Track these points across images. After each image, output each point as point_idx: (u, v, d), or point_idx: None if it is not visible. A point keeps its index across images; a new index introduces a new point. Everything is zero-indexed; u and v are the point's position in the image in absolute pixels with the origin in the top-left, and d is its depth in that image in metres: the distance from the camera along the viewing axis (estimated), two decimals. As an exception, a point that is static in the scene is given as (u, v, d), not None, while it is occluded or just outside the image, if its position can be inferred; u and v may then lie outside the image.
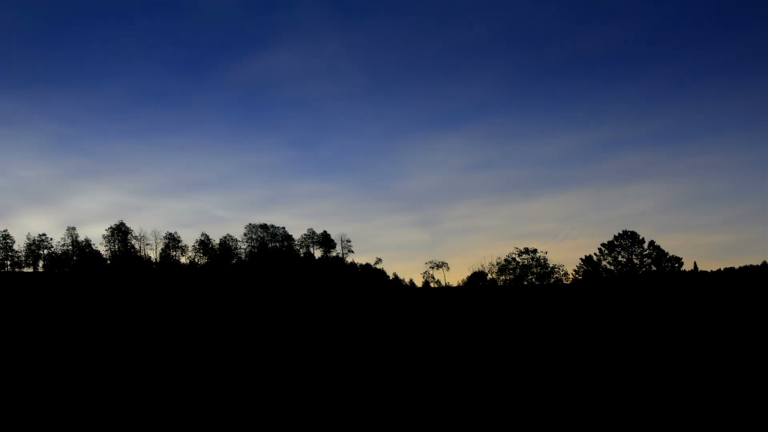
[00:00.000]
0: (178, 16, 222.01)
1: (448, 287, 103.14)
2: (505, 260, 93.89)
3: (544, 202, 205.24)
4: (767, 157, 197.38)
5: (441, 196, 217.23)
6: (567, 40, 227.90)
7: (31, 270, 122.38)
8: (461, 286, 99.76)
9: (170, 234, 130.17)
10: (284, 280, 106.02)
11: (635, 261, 78.38)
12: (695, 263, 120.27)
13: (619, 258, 78.93)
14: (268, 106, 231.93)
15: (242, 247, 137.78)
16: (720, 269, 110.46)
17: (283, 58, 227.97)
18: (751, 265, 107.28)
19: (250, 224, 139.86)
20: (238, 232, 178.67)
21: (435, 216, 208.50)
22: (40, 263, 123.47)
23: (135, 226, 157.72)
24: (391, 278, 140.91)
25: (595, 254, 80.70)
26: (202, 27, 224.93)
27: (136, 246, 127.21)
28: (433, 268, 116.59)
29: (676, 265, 77.36)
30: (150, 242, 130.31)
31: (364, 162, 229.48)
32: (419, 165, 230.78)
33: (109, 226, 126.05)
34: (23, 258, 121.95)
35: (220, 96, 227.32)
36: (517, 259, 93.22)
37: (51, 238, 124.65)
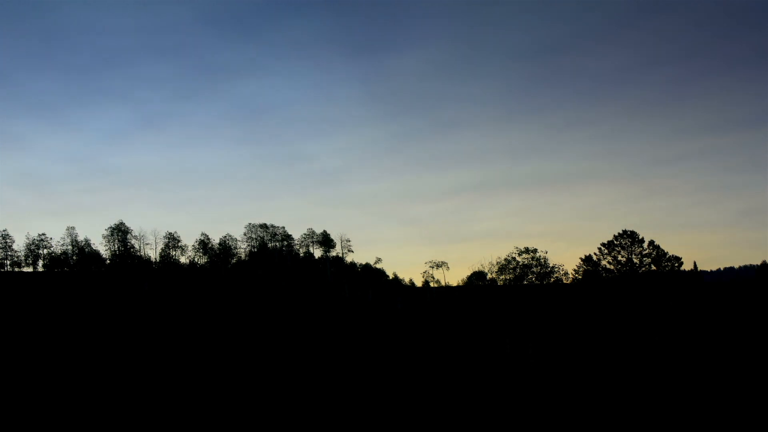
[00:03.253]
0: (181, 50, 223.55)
1: (448, 287, 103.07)
2: (505, 260, 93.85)
3: (544, 201, 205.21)
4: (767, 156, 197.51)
5: (440, 196, 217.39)
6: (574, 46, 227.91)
7: (30, 270, 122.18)
8: (461, 286, 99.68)
9: (170, 233, 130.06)
10: (284, 279, 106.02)
11: (635, 261, 78.32)
12: (695, 263, 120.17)
13: (619, 258, 78.84)
14: (267, 117, 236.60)
15: (242, 246, 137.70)
16: (720, 269, 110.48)
17: (284, 76, 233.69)
18: (751, 265, 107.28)
19: (249, 224, 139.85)
20: (237, 231, 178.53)
21: (434, 215, 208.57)
22: (40, 263, 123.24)
23: (135, 225, 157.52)
24: (390, 278, 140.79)
25: (594, 254, 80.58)
26: (207, 52, 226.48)
27: (136, 246, 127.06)
28: (432, 267, 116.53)
29: (676, 264, 77.27)
30: (150, 242, 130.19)
31: (364, 162, 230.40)
32: (419, 165, 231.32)
33: (108, 226, 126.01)
34: (23, 258, 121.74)
35: (223, 106, 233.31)
36: (517, 258, 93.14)
37: (51, 238, 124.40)
